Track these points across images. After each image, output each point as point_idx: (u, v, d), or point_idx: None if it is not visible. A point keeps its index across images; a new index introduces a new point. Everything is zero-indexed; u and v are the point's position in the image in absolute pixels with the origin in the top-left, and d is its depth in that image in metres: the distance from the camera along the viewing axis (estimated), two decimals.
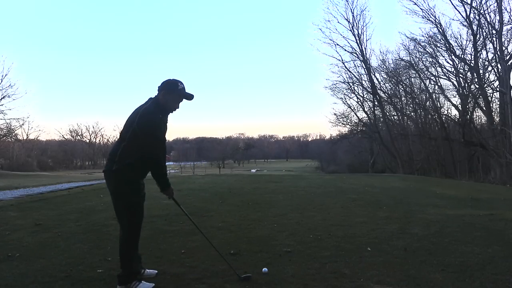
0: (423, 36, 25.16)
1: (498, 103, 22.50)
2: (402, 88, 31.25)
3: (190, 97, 3.14)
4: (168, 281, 3.16)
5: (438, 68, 26.77)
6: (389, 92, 31.94)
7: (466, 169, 23.60)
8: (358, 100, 33.65)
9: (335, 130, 74.97)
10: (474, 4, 21.01)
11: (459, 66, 25.24)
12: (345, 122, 35.91)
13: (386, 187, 10.97)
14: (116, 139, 3.15)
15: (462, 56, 24.05)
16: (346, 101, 34.35)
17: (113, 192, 3.03)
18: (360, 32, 29.52)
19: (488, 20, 20.69)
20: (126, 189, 2.99)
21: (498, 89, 21.21)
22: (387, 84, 32.26)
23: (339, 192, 9.62)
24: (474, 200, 8.09)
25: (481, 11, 20.75)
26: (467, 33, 23.51)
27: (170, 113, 3.13)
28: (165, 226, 5.29)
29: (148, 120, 2.90)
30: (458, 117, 26.61)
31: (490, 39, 21.36)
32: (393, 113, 33.57)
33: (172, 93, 3.04)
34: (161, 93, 3.04)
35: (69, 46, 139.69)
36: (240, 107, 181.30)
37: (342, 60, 30.75)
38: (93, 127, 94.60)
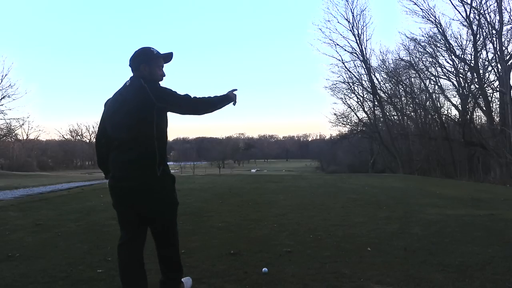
0: (423, 36, 25.20)
1: (498, 103, 22.54)
2: (402, 88, 31.29)
3: (169, 56, 2.71)
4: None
5: (438, 68, 26.84)
6: (389, 92, 31.95)
7: (466, 169, 23.61)
8: (358, 100, 33.70)
9: (335, 130, 74.70)
10: (474, 4, 21.05)
11: (459, 66, 25.29)
12: (345, 122, 35.93)
13: (386, 187, 10.97)
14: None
15: (462, 56, 24.08)
16: (346, 101, 34.39)
17: None
18: (360, 32, 29.54)
19: (488, 20, 20.73)
20: None
21: (498, 89, 21.24)
22: (387, 84, 32.30)
23: (339, 192, 9.62)
24: (474, 200, 8.08)
25: (481, 11, 20.78)
26: (467, 33, 23.57)
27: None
28: None
29: (159, 85, 2.55)
30: (458, 117, 26.64)
31: (490, 39, 21.40)
32: (393, 113, 33.60)
33: (151, 61, 2.60)
34: (142, 67, 2.58)
35: (69, 46, 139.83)
36: (240, 107, 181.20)
37: (342, 60, 30.78)
38: (93, 127, 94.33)
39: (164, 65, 2.70)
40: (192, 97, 2.50)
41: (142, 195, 2.39)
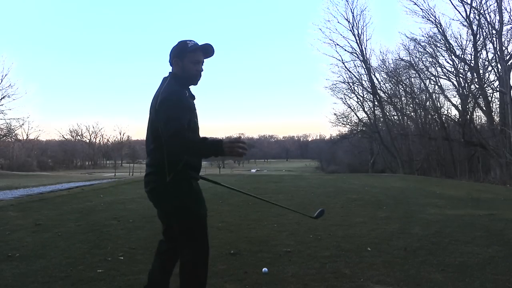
0: (423, 36, 25.20)
1: (498, 103, 22.53)
2: (402, 88, 31.28)
3: (208, 50, 2.41)
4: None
5: (438, 68, 26.83)
6: (389, 92, 31.95)
7: (466, 169, 23.59)
8: (358, 100, 33.67)
9: (335, 130, 74.85)
10: (474, 4, 21.04)
11: (459, 66, 25.28)
12: (345, 122, 35.94)
13: (386, 187, 10.97)
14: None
15: (462, 56, 24.07)
16: (346, 101, 34.34)
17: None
18: (360, 32, 29.51)
19: (488, 20, 20.72)
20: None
21: (498, 89, 21.23)
22: (387, 84, 32.30)
23: (339, 192, 9.62)
24: (474, 200, 8.09)
25: (481, 11, 20.78)
26: (467, 33, 23.55)
27: (195, 84, 2.47)
28: None
29: (168, 95, 2.26)
30: (458, 117, 26.62)
31: (490, 39, 21.39)
32: (393, 113, 33.58)
33: (184, 56, 2.37)
34: (174, 64, 2.41)
35: (69, 47, 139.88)
36: (240, 107, 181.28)
37: (342, 60, 30.74)
38: (93, 127, 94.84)
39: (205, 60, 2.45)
40: (180, 135, 2.12)
41: (154, 199, 2.40)
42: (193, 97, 2.44)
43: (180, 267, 2.36)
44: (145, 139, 2.46)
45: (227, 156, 2.15)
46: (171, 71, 2.44)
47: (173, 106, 2.19)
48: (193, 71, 2.38)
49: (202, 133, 2.45)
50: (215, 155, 2.13)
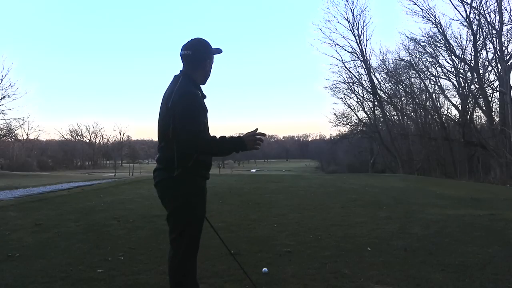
0: (423, 36, 25.25)
1: (498, 103, 22.57)
2: (402, 88, 31.34)
3: (218, 52, 2.48)
4: (168, 281, 3.15)
5: (438, 68, 26.92)
6: (389, 92, 32.01)
7: (466, 169, 23.62)
8: (358, 100, 33.69)
9: (335, 130, 74.57)
10: (474, 4, 21.10)
11: (459, 66, 25.34)
12: (345, 122, 35.91)
13: (386, 187, 10.97)
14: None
15: (462, 56, 24.12)
16: (346, 101, 34.36)
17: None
18: (360, 32, 29.57)
19: (488, 20, 20.77)
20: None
21: (498, 89, 21.26)
22: (387, 84, 32.37)
23: (339, 192, 9.62)
24: (474, 200, 8.08)
25: (481, 11, 20.83)
26: (467, 33, 23.61)
27: (204, 84, 2.48)
28: (165, 226, 5.22)
29: (185, 94, 2.24)
30: (458, 117, 26.68)
31: (490, 39, 21.45)
32: (393, 113, 33.64)
33: (212, 57, 2.42)
34: (202, 65, 2.38)
35: (69, 46, 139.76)
36: (239, 107, 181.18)
37: (342, 60, 30.79)
38: (93, 127, 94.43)
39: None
40: (199, 137, 2.16)
41: (160, 191, 2.41)
42: (204, 97, 2.43)
43: (169, 262, 2.42)
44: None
45: (248, 150, 2.20)
46: (182, 70, 2.39)
47: (189, 107, 2.20)
48: (210, 71, 2.48)
49: None
50: (236, 151, 2.21)
